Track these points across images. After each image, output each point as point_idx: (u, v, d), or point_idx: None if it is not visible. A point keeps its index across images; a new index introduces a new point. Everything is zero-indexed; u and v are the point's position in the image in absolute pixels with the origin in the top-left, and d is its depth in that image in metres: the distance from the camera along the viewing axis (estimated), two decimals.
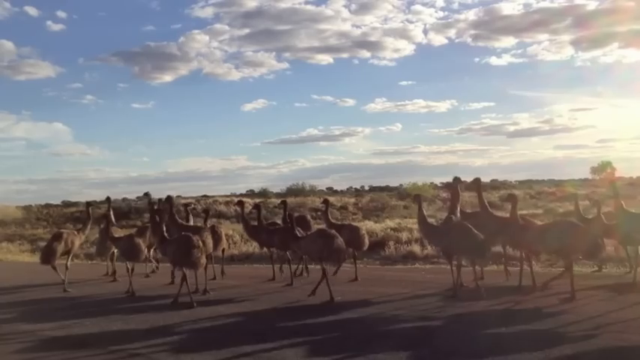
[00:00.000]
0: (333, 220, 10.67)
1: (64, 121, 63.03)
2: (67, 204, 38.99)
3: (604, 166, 39.71)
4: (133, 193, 48.85)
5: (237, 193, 44.75)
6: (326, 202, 10.66)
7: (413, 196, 9.73)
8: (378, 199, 31.47)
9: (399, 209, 25.01)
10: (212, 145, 65.29)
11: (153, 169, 69.14)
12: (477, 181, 9.03)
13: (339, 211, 27.36)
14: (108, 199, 12.18)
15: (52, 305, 8.79)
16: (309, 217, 11.05)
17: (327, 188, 47.74)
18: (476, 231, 7.71)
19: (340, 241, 8.30)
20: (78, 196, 62.29)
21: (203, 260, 8.36)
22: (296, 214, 10.33)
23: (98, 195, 48.84)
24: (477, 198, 8.90)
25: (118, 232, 10.74)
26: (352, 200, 31.66)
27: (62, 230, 11.51)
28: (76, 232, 10.91)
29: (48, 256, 10.29)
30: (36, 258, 17.54)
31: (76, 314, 7.77)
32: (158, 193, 43.18)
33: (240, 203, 11.31)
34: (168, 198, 10.80)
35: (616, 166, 39.36)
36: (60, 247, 10.33)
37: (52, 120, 63.75)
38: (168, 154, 67.44)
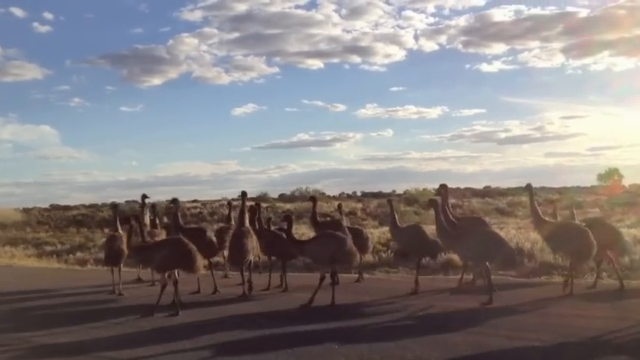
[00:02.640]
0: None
1: (51, 123, 61.74)
2: (56, 207, 38.49)
3: (611, 174, 39.59)
4: (122, 197, 48.43)
5: (229, 197, 44.38)
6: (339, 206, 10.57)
7: (428, 201, 9.40)
8: (387, 204, 31.19)
9: (409, 215, 24.71)
10: (202, 149, 64.71)
11: (142, 173, 68.51)
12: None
13: (347, 216, 27.07)
14: (143, 197, 11.19)
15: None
16: (344, 221, 10.66)
17: (319, 193, 47.73)
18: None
19: (352, 242, 8.15)
20: (66, 200, 61.62)
21: (200, 264, 8.10)
22: (328, 219, 10.13)
23: (87, 199, 48.49)
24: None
25: (162, 235, 10.56)
26: (359, 205, 31.44)
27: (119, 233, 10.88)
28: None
29: (117, 257, 10.10)
30: (45, 263, 17.46)
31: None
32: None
33: (252, 209, 10.46)
34: (174, 200, 10.40)
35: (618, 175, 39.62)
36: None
37: (39, 123, 62.54)
38: (158, 158, 66.52)
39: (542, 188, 42.37)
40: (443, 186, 9.24)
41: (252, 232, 9.23)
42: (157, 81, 55.00)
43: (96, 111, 56.85)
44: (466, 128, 66.70)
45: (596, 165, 53.36)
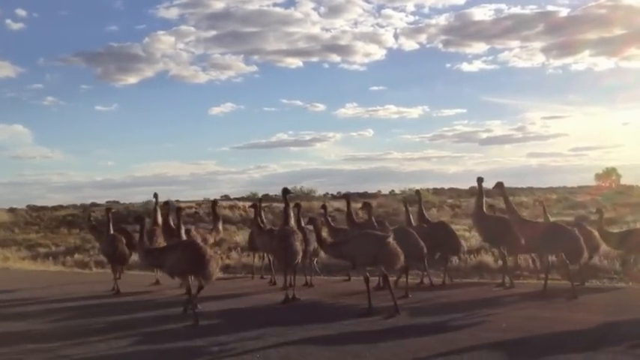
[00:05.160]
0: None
1: (24, 123, 59.91)
2: (45, 207, 37.27)
3: (609, 173, 39.69)
4: (99, 197, 47.36)
5: (211, 197, 43.63)
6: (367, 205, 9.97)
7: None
8: (387, 204, 30.77)
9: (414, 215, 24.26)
10: (180, 149, 63.63)
11: (118, 173, 67.50)
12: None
13: (342, 216, 26.53)
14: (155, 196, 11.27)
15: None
16: (387, 222, 10.12)
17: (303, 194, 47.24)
18: None
19: (394, 241, 7.36)
20: (42, 201, 60.91)
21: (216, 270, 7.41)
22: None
23: (63, 199, 47.28)
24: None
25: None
26: (358, 205, 30.85)
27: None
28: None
29: (123, 258, 10.40)
30: (42, 266, 16.56)
31: None
32: (125, 198, 41.85)
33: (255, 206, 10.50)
34: (167, 203, 10.55)
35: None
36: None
37: (12, 122, 60.77)
38: (135, 158, 64.93)
39: (530, 189, 42.48)
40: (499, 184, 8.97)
41: (298, 231, 8.62)
42: (132, 80, 53.79)
43: (70, 110, 55.65)
44: (447, 128, 66.69)
45: (579, 165, 53.80)
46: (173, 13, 56.52)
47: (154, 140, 62.28)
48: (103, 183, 54.00)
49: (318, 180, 57.70)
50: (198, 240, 9.88)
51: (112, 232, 10.56)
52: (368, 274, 7.39)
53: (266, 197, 42.38)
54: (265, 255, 11.37)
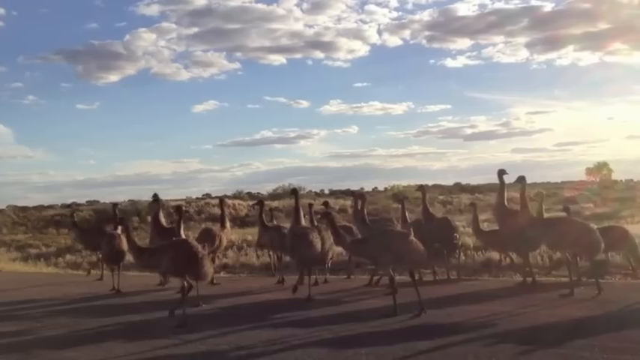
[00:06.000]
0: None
1: (4, 122, 60.29)
2: (31, 207, 36.65)
3: (600, 167, 40.11)
4: (80, 197, 46.77)
5: (194, 196, 43.33)
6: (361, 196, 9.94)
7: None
8: (376, 201, 30.80)
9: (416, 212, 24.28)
10: (162, 147, 63.16)
11: (100, 172, 66.69)
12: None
13: (339, 214, 26.47)
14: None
15: None
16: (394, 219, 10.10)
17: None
18: None
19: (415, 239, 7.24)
20: (23, 201, 60.12)
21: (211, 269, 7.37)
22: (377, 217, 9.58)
23: (44, 199, 46.44)
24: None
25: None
26: (349, 202, 30.84)
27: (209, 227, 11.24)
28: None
29: (118, 257, 10.30)
30: (34, 267, 16.20)
31: None
32: (107, 197, 41.30)
33: (261, 203, 10.77)
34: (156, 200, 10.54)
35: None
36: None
37: None
38: (117, 157, 64.13)
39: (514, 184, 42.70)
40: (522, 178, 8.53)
41: (316, 230, 8.53)
42: (114, 77, 53.36)
43: (51, 109, 55.15)
44: (432, 124, 67.31)
45: (563, 161, 54.53)
46: (154, 10, 55.99)
47: (136, 139, 61.76)
48: (84, 182, 53.37)
49: (303, 177, 57.68)
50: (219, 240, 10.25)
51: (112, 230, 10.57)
52: (392, 273, 7.15)
53: (250, 195, 42.26)
54: (271, 253, 11.32)
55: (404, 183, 39.82)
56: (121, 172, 62.32)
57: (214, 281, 9.82)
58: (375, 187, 46.74)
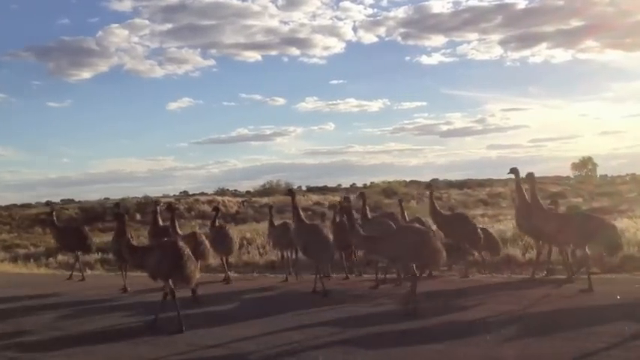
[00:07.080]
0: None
1: None
2: (14, 205, 35.87)
3: (585, 162, 40.74)
4: (53, 195, 45.97)
5: (171, 194, 43.04)
6: (362, 195, 10.06)
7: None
8: (368, 196, 30.84)
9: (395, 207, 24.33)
10: (137, 145, 63.10)
11: (74, 170, 65.87)
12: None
13: (331, 210, 26.42)
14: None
15: None
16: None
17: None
18: None
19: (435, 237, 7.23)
20: None
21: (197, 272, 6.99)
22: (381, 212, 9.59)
23: (16, 198, 45.32)
24: None
25: None
26: (337, 199, 30.86)
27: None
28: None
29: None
30: (25, 268, 15.80)
31: None
32: (81, 195, 40.67)
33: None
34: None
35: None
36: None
37: None
38: (90, 155, 64.67)
39: (489, 180, 42.91)
40: (530, 174, 8.54)
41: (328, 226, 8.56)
42: (86, 74, 53.37)
43: (22, 107, 54.81)
44: (408, 121, 68.27)
45: (537, 157, 55.45)
46: (127, 5, 55.74)
47: (109, 136, 61.46)
48: (57, 181, 52.67)
49: (279, 174, 57.48)
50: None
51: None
52: (415, 271, 6.99)
53: (226, 192, 42.00)
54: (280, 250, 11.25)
55: (380, 179, 40.04)
56: (94, 170, 61.72)
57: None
58: (354, 184, 46.84)
